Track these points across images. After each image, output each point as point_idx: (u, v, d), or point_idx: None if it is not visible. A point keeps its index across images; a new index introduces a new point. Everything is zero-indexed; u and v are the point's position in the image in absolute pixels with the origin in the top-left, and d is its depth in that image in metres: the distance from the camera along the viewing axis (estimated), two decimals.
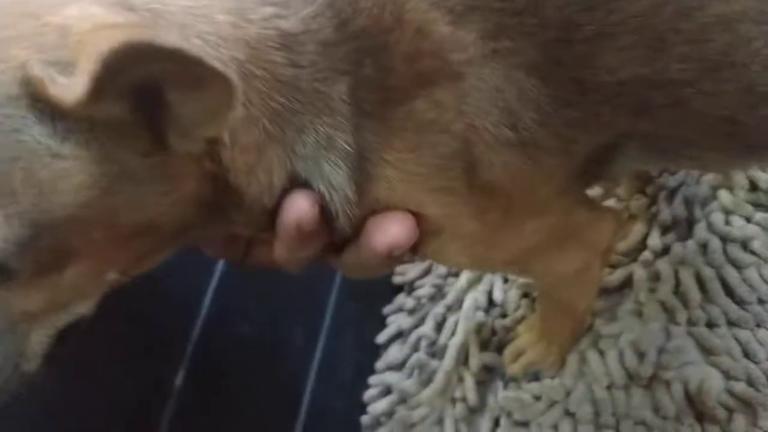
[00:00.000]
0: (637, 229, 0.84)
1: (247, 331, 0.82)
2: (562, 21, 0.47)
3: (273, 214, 0.50)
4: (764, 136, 0.53)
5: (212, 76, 0.37)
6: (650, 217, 0.84)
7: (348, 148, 0.48)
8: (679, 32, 0.48)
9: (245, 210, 0.49)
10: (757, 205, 0.81)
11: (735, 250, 0.78)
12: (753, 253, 0.78)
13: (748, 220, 0.80)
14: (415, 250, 0.53)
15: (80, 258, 0.43)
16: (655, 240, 0.82)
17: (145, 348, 0.70)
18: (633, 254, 0.83)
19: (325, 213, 0.50)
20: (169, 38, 0.37)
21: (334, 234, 0.52)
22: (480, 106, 0.48)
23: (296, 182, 0.49)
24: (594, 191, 0.86)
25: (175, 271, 0.69)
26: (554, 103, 0.49)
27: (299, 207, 0.49)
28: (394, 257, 0.51)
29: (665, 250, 0.81)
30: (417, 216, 0.51)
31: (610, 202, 0.86)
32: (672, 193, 0.84)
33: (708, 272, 0.78)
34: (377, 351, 0.97)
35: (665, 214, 0.82)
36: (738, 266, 0.78)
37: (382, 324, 0.98)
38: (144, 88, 0.38)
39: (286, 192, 0.49)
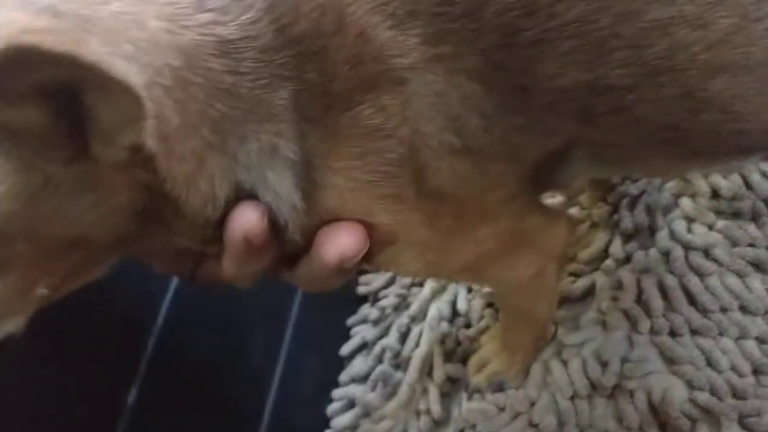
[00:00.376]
0: (600, 237, 0.83)
1: (203, 344, 0.80)
2: (502, 26, 0.46)
3: (219, 226, 0.48)
4: (706, 142, 0.53)
5: (112, 82, 0.36)
6: (612, 225, 0.83)
7: (293, 156, 0.47)
8: (618, 37, 0.47)
9: (187, 222, 0.47)
10: (719, 213, 0.80)
11: (697, 258, 0.78)
12: (715, 261, 0.78)
13: (710, 227, 0.80)
14: (367, 260, 0.52)
15: (5, 272, 0.41)
16: (617, 248, 0.81)
17: (95, 364, 0.68)
18: (595, 263, 0.82)
19: (273, 224, 0.49)
20: (92, 48, 0.36)
21: (285, 246, 0.50)
22: (424, 111, 0.47)
23: (241, 193, 0.48)
24: (556, 199, 0.85)
25: (128, 283, 0.67)
26: (498, 108, 0.48)
27: (246, 219, 0.48)
28: (347, 268, 0.50)
29: (627, 259, 0.81)
30: (367, 225, 0.50)
31: (573, 210, 0.85)
32: (634, 201, 0.83)
33: (670, 281, 0.77)
34: (341, 363, 0.95)
35: (627, 222, 0.82)
36: (700, 274, 0.77)
37: (345, 335, 0.96)
38: (63, 94, 0.37)
39: (231, 203, 0.48)
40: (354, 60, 0.46)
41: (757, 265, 0.76)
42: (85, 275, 0.48)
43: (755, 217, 0.78)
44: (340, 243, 0.49)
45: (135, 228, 0.46)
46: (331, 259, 0.49)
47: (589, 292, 0.81)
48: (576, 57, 0.47)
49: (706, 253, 0.78)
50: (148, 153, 0.43)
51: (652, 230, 0.81)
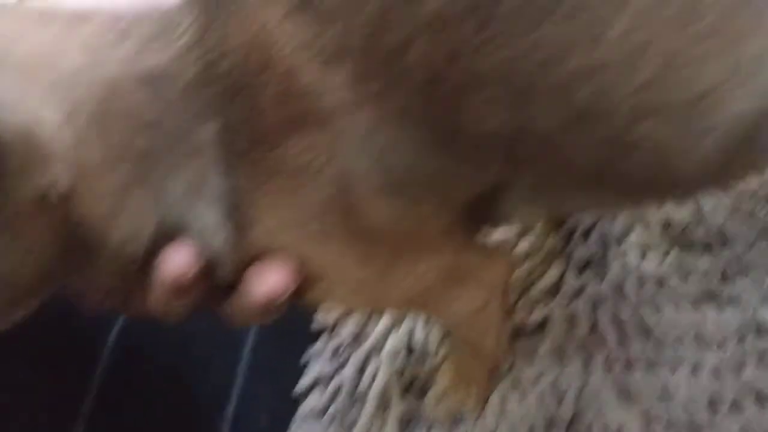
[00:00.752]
0: (554, 268, 0.82)
1: (152, 376, 0.78)
2: (429, 68, 0.46)
3: (143, 263, 0.47)
4: (640, 183, 0.52)
5: (9, 135, 0.35)
6: (567, 255, 0.82)
7: (220, 192, 0.47)
8: (543, 83, 0.47)
9: (110, 260, 0.46)
10: (673, 243, 0.79)
11: (651, 289, 0.77)
12: (669, 291, 0.77)
13: (664, 257, 0.79)
14: (298, 297, 0.51)
15: None
16: (571, 280, 0.80)
17: (38, 396, 0.66)
18: (550, 294, 0.81)
19: (201, 262, 0.48)
20: None
21: (214, 282, 0.50)
22: (352, 150, 0.47)
23: (166, 230, 0.47)
24: (510, 230, 0.85)
25: (76, 309, 0.66)
26: (426, 149, 0.48)
27: (174, 262, 0.47)
28: (275, 306, 0.49)
29: (582, 290, 0.80)
30: (297, 262, 0.49)
31: (527, 241, 0.84)
32: (588, 231, 0.82)
33: (625, 312, 0.76)
34: (296, 398, 0.93)
35: (581, 252, 0.81)
36: (655, 306, 0.76)
37: (301, 370, 0.95)
38: None
39: (155, 240, 0.47)
40: (281, 97, 0.46)
41: (710, 296, 0.75)
42: (7, 318, 0.46)
43: (708, 247, 0.78)
44: (267, 281, 0.49)
45: (56, 267, 0.45)
46: (258, 297, 0.49)
47: (545, 324, 0.80)
48: (501, 101, 0.47)
49: (660, 283, 0.77)
50: (64, 192, 0.42)
51: (606, 260, 0.81)
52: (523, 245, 0.84)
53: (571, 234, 0.83)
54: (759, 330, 0.73)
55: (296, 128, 0.46)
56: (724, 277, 0.75)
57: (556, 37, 0.45)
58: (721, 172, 0.53)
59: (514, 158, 0.50)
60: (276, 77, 0.45)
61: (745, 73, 0.47)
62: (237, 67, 0.46)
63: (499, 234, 0.84)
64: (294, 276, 0.49)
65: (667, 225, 0.80)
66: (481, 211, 0.55)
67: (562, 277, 0.81)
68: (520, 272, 0.82)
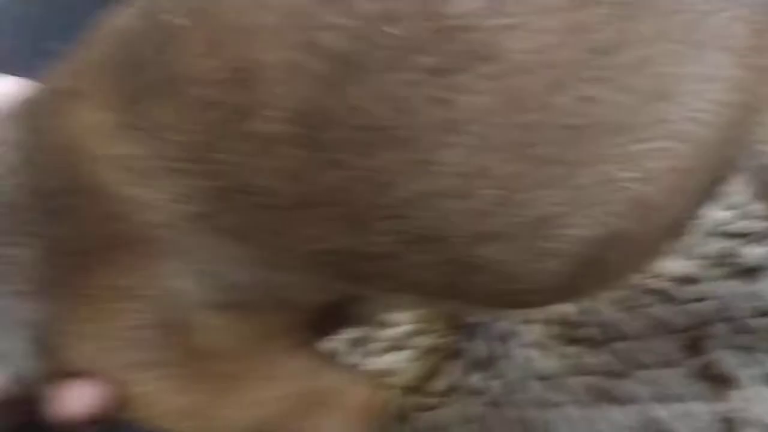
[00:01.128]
0: (451, 367, 0.80)
1: None
2: (260, 187, 0.44)
3: None
4: (487, 298, 0.51)
5: None
6: (464, 353, 0.81)
7: (36, 318, 0.45)
8: (379, 207, 0.46)
9: None
10: (566, 338, 0.78)
11: (545, 388, 0.75)
12: (563, 389, 0.75)
13: (558, 354, 0.78)
14: (119, 418, 0.49)
15: None
16: (467, 380, 0.78)
17: None
18: (446, 394, 0.79)
19: (17, 386, 0.46)
20: None
21: (32, 401, 0.49)
22: (176, 269, 0.45)
23: None
24: (405, 327, 0.83)
25: None
26: (261, 266, 0.46)
27: None
28: (88, 427, 0.49)
29: (476, 390, 0.78)
30: (114, 387, 0.47)
31: (422, 338, 0.82)
32: (482, 328, 0.81)
33: (515, 413, 0.74)
34: None
35: (477, 350, 0.80)
36: (546, 406, 0.74)
37: None
38: None
39: None
40: (101, 218, 0.45)
41: (603, 394, 0.74)
42: None
43: (599, 343, 0.77)
44: (77, 403, 0.47)
45: None
46: (71, 415, 0.48)
47: (440, 426, 0.78)
48: (336, 224, 0.46)
49: (554, 381, 0.76)
50: None
51: (500, 359, 0.79)
52: (419, 343, 0.82)
53: (469, 331, 0.82)
54: (652, 428, 0.72)
55: (116, 250, 0.45)
56: (617, 375, 0.74)
57: (390, 164, 0.45)
58: (569, 290, 0.52)
59: (357, 276, 0.49)
60: (96, 199, 0.45)
61: (587, 201, 0.46)
62: (59, 189, 0.45)
63: (394, 333, 0.82)
64: (109, 399, 0.47)
65: (560, 321, 0.79)
66: (338, 316, 0.53)
67: (459, 376, 0.80)
68: (417, 372, 0.80)
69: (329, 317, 0.53)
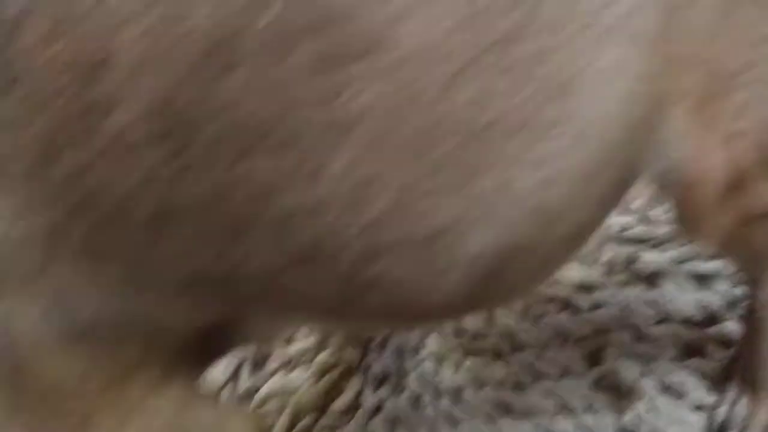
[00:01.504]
0: (352, 384, 0.77)
1: None
2: (112, 199, 0.40)
3: None
4: (381, 316, 0.48)
5: None
6: (364, 369, 0.78)
7: None
8: (254, 220, 0.41)
9: None
10: (466, 350, 0.76)
11: (447, 404, 0.73)
12: (465, 404, 0.73)
13: (458, 367, 0.75)
14: None
15: None
16: (368, 396, 0.76)
17: None
18: (349, 413, 0.76)
19: None
20: None
21: None
22: (16, 296, 0.40)
23: None
24: (301, 343, 0.80)
25: None
26: (119, 289, 0.41)
27: None
28: None
29: (380, 408, 0.75)
30: None
31: (323, 354, 0.79)
32: (383, 342, 0.78)
33: (422, 428, 0.72)
34: None
35: (377, 366, 0.77)
36: (452, 420, 0.72)
37: None
38: None
39: None
40: None
41: (505, 408, 0.72)
42: None
43: (500, 354, 0.75)
44: None
45: None
46: None
47: None
48: (205, 238, 0.41)
49: (456, 395, 0.73)
50: None
51: (402, 374, 0.77)
52: (319, 359, 0.79)
53: (367, 346, 0.79)
54: None
55: None
56: (518, 387, 0.72)
57: (265, 172, 0.40)
58: (471, 304, 0.50)
59: (234, 297, 0.44)
60: None
61: (484, 208, 0.44)
62: None
63: (290, 350, 0.79)
64: None
65: (459, 332, 0.77)
66: (220, 340, 0.49)
67: (359, 393, 0.77)
68: (317, 390, 0.77)
69: (209, 342, 0.49)
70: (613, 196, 0.49)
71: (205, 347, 0.49)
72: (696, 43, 0.45)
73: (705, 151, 0.48)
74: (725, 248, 0.58)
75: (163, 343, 0.45)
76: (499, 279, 0.47)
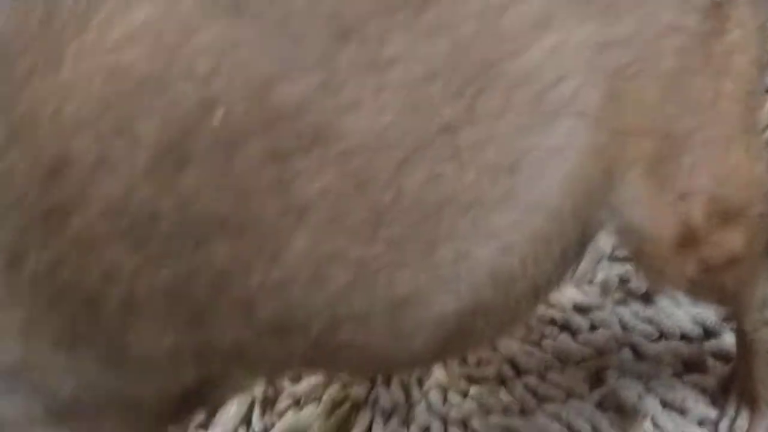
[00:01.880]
0: (361, 418, 0.78)
1: None
2: (83, 290, 0.42)
3: None
4: (363, 370, 0.50)
5: None
6: (372, 403, 0.79)
7: None
8: (220, 301, 0.43)
9: None
10: (471, 379, 0.77)
11: None
12: None
13: (464, 395, 0.77)
14: None
15: None
16: (378, 429, 0.77)
17: None
18: None
19: None
20: None
21: None
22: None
23: None
24: (314, 379, 0.81)
25: None
26: (96, 369, 0.43)
27: None
28: None
29: None
30: None
31: (331, 390, 0.80)
32: (389, 376, 0.80)
33: None
34: None
35: (385, 399, 0.78)
36: None
37: None
38: None
39: None
40: None
41: None
42: None
43: (503, 381, 0.76)
44: None
45: None
46: None
47: None
48: (171, 322, 0.43)
49: (464, 425, 0.75)
50: None
51: (410, 405, 0.78)
52: (328, 395, 0.80)
53: (374, 380, 0.80)
54: None
55: None
56: (524, 412, 0.73)
57: (227, 256, 0.42)
58: (437, 357, 0.51)
59: (208, 365, 0.46)
60: None
61: (446, 277, 0.45)
62: None
63: (299, 387, 0.80)
64: None
65: (463, 361, 0.78)
66: (189, 403, 0.50)
67: (369, 427, 0.78)
68: (329, 427, 0.78)
69: (185, 402, 0.51)
70: (572, 252, 0.50)
71: (181, 407, 0.50)
72: (642, 114, 0.46)
73: (658, 211, 0.49)
74: (692, 293, 0.59)
75: (142, 412, 0.47)
76: (465, 335, 0.49)
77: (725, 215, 0.51)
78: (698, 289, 0.57)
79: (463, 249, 0.44)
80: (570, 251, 0.49)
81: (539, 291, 0.49)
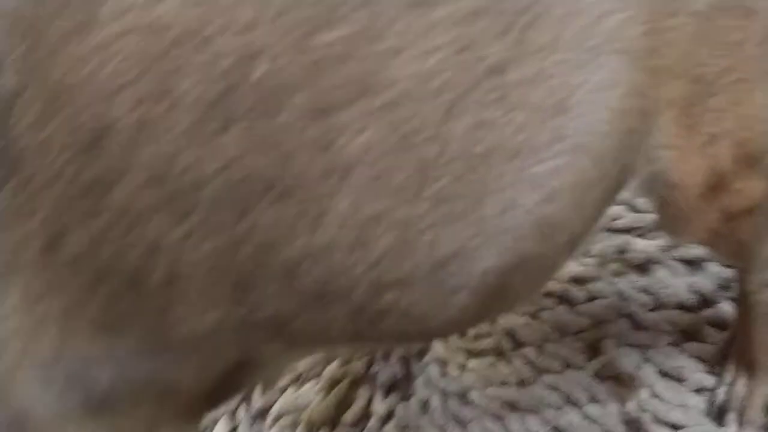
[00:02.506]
0: (361, 394, 0.79)
1: None
2: (125, 269, 0.40)
3: None
4: (394, 338, 0.50)
5: None
6: (372, 378, 0.79)
7: None
8: (263, 270, 0.42)
9: None
10: (470, 352, 0.78)
11: (455, 405, 0.75)
12: (473, 405, 0.75)
13: (463, 368, 0.77)
14: None
15: None
16: (378, 404, 0.77)
17: None
18: (361, 422, 0.78)
19: None
20: None
21: None
22: (30, 381, 0.41)
23: None
24: (313, 357, 0.81)
25: None
26: (136, 355, 0.42)
27: None
28: None
29: (390, 414, 0.77)
30: None
31: (330, 368, 0.80)
32: (388, 351, 0.80)
33: None
34: None
35: (384, 374, 0.78)
36: (460, 422, 0.74)
37: None
38: None
39: None
40: None
41: (512, 405, 0.74)
42: None
43: (501, 353, 0.76)
44: None
45: None
46: None
47: None
48: (216, 295, 0.42)
49: (463, 397, 0.75)
50: None
51: (410, 379, 0.78)
52: (327, 372, 0.80)
53: (372, 356, 0.80)
54: None
55: None
56: (522, 383, 0.74)
57: (270, 223, 0.41)
58: (478, 317, 0.51)
59: (249, 343, 0.45)
60: None
61: (489, 232, 0.44)
62: None
63: (302, 363, 0.80)
64: None
65: (462, 334, 0.78)
66: (231, 384, 0.50)
67: (369, 403, 0.78)
68: (328, 403, 0.78)
69: (221, 387, 0.50)
70: (606, 202, 0.50)
71: (218, 391, 0.50)
72: (677, 53, 0.46)
73: (688, 157, 0.49)
74: (711, 244, 0.59)
75: (180, 397, 0.46)
76: (504, 292, 0.48)
77: (750, 159, 0.51)
78: (717, 241, 0.57)
79: (505, 202, 0.44)
80: (603, 202, 0.49)
81: (575, 242, 0.49)
